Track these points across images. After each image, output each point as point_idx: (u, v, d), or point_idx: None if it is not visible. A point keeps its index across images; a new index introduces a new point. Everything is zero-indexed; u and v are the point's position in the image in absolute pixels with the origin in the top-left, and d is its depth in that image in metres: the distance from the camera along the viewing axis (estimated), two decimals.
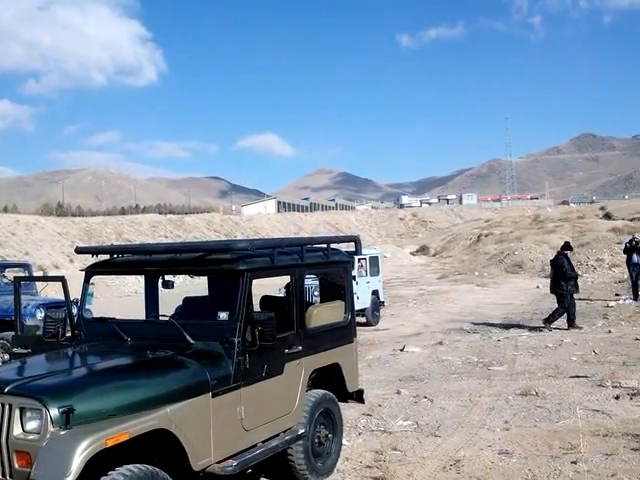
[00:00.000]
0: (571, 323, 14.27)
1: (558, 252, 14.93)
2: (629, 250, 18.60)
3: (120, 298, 25.67)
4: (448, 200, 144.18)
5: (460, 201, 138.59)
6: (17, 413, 3.90)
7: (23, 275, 12.66)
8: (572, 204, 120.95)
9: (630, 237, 19.76)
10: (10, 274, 13.74)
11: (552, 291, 14.83)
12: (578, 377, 9.49)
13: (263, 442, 5.18)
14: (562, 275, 14.15)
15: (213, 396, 4.64)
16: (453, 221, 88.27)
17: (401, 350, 12.53)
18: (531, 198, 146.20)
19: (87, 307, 6.05)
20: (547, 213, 56.41)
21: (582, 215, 43.24)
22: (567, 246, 15.10)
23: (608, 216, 42.04)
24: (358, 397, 6.62)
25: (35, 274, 17.11)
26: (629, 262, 18.67)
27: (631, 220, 36.24)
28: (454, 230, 60.63)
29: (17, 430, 3.88)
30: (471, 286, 26.76)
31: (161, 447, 4.30)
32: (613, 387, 8.69)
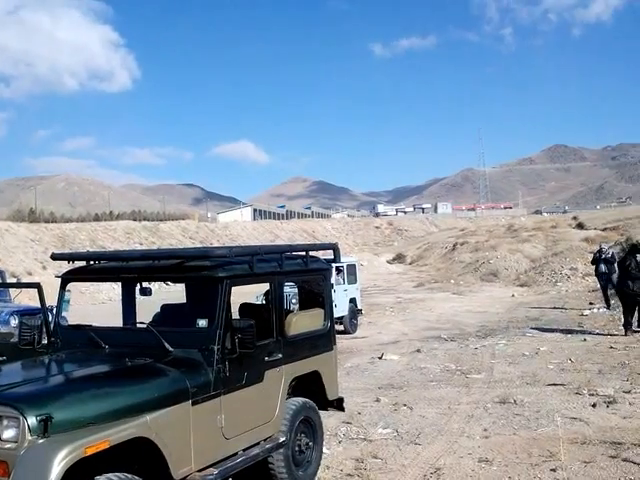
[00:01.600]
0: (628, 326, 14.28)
1: (626, 253, 15.19)
2: (596, 260, 18.97)
3: (94, 305, 25.35)
4: (423, 209, 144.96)
5: (435, 210, 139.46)
6: None
7: (17, 282, 12.43)
8: (545, 213, 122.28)
9: (598, 247, 20.11)
10: None
11: (618, 290, 15.07)
12: (555, 385, 9.57)
13: (244, 450, 5.13)
14: (628, 275, 14.27)
15: (193, 404, 4.57)
16: (428, 230, 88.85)
17: (379, 358, 12.52)
18: (505, 207, 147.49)
19: (63, 314, 5.94)
20: (521, 222, 56.97)
21: (555, 224, 43.74)
22: (635, 249, 15.21)
23: (581, 226, 42.57)
24: (338, 405, 6.58)
25: (8, 281, 16.81)
26: (597, 272, 19.02)
27: (603, 230, 36.73)
28: (430, 239, 61.03)
29: None
30: (447, 294, 26.92)
31: (141, 456, 4.23)
32: (590, 395, 8.77)
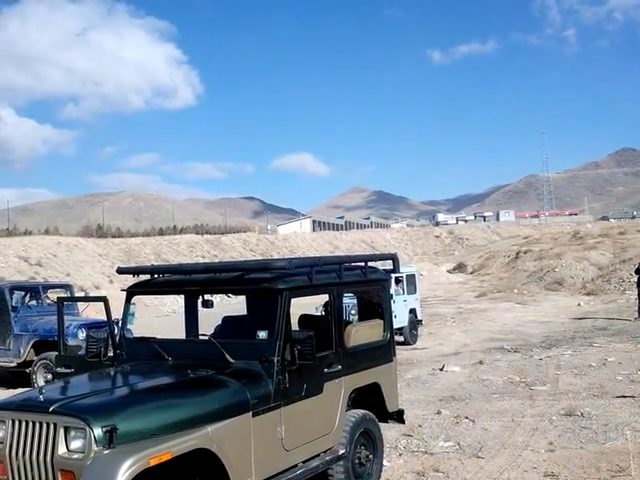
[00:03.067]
0: None
1: None
2: (638, 271, 18.81)
3: (158, 318, 25.92)
4: (485, 217, 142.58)
5: (497, 218, 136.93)
6: (62, 432, 3.94)
7: (65, 296, 12.88)
8: (612, 219, 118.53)
9: None
10: (53, 295, 14.02)
11: None
12: (624, 397, 9.25)
13: (303, 462, 5.15)
14: None
15: (253, 415, 4.63)
16: (490, 238, 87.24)
17: (440, 369, 12.37)
18: (570, 214, 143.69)
19: (128, 327, 6.12)
20: (587, 229, 55.36)
21: (623, 231, 42.30)
22: None
23: None
24: (398, 417, 6.54)
25: (76, 294, 17.39)
26: (638, 282, 18.89)
27: None
28: (491, 247, 59.91)
29: (62, 449, 3.93)
30: (510, 304, 26.36)
31: (202, 467, 4.30)
32: None
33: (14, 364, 12.49)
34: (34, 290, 13.79)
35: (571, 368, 11.70)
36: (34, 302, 13.41)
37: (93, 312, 14.23)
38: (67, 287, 14.49)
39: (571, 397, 9.49)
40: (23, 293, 13.48)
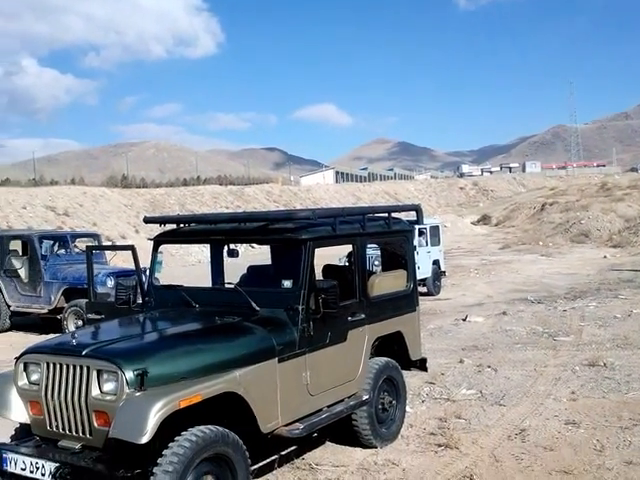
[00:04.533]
0: None
1: None
2: None
3: (184, 267, 26.22)
4: (510, 168, 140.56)
5: (523, 169, 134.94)
6: (94, 375, 4.07)
7: (93, 244, 13.08)
8: None
9: None
10: (80, 244, 14.25)
11: None
12: None
13: (328, 407, 5.26)
14: None
15: (279, 361, 4.73)
16: (516, 190, 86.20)
17: (463, 320, 12.44)
18: (597, 165, 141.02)
19: (156, 275, 6.22)
20: (615, 180, 54.43)
21: None
22: None
23: None
24: (421, 365, 6.62)
25: (104, 244, 17.64)
26: None
27: None
28: (517, 199, 59.29)
29: (95, 391, 4.06)
30: (535, 256, 26.21)
31: (230, 410, 4.42)
32: None
33: (45, 310, 12.83)
34: (62, 239, 14.08)
35: (595, 319, 11.69)
36: (62, 251, 13.67)
37: (120, 262, 14.46)
38: (95, 236, 14.71)
39: (594, 348, 9.51)
40: (52, 242, 13.73)
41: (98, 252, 13.07)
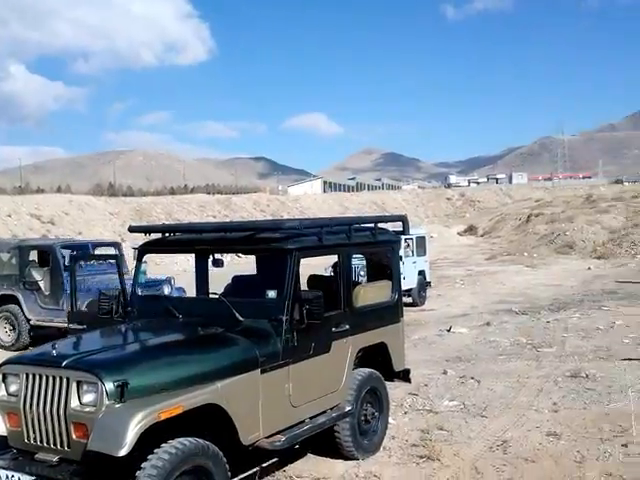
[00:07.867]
0: None
1: None
2: None
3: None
4: (497, 179, 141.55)
5: (510, 180, 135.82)
6: (74, 386, 4.05)
7: (77, 254, 12.70)
8: (626, 183, 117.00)
9: None
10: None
11: None
12: (630, 360, 9.31)
13: (310, 418, 5.26)
14: None
15: (262, 372, 4.72)
16: (502, 201, 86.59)
17: (448, 331, 12.47)
18: (584, 177, 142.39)
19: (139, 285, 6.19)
20: (600, 192, 54.86)
21: (637, 194, 41.88)
22: None
23: None
24: (404, 376, 6.63)
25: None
26: None
27: None
28: (503, 210, 59.52)
29: (74, 402, 4.04)
30: (520, 267, 26.34)
31: (211, 422, 4.41)
32: None
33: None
34: (83, 248, 13.01)
35: (578, 331, 11.77)
36: (82, 261, 12.16)
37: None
38: (115, 245, 13.44)
39: (577, 359, 9.57)
40: (73, 252, 12.31)
41: (120, 262, 12.38)
